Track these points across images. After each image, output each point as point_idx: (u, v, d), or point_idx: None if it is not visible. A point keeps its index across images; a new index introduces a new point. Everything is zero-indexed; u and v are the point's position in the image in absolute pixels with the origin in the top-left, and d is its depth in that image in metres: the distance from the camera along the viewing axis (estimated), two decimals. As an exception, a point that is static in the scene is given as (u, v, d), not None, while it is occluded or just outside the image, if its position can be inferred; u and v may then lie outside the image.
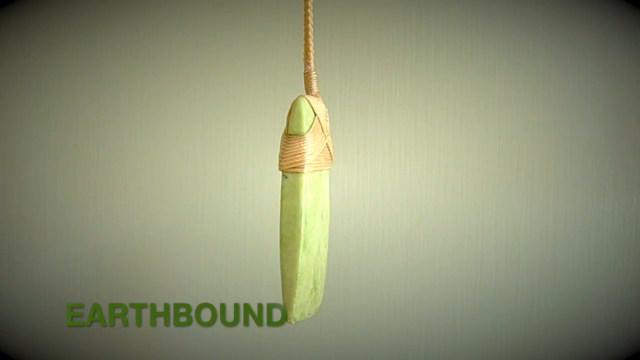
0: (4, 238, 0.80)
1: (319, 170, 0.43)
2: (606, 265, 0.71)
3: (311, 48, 0.44)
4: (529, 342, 0.72)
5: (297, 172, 0.41)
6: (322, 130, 0.43)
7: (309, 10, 0.44)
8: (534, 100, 0.72)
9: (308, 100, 0.41)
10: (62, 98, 0.79)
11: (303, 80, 0.44)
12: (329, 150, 0.45)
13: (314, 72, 0.44)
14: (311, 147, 0.41)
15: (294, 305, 0.40)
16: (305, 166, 0.41)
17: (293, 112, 0.41)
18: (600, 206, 0.71)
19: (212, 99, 0.76)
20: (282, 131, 0.42)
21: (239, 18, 0.76)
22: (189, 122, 0.77)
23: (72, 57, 0.78)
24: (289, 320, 0.41)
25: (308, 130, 0.41)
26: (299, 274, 0.40)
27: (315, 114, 0.42)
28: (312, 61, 0.44)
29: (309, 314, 0.42)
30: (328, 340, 0.75)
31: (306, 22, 0.44)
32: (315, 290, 0.43)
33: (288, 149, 0.41)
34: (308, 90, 0.44)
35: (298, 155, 0.41)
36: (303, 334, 0.75)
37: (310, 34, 0.44)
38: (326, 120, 0.44)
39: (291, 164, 0.41)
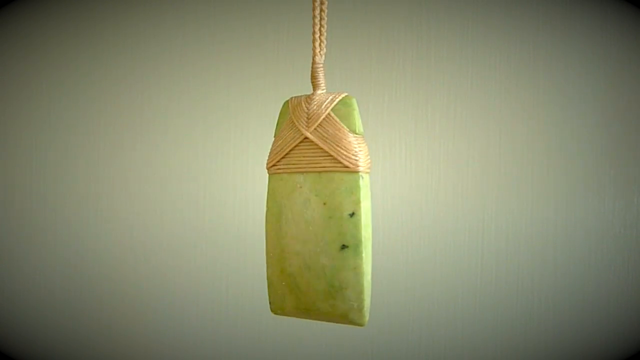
0: (5, 238, 0.80)
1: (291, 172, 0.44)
2: (606, 265, 0.71)
3: (317, 39, 0.43)
4: (529, 342, 0.72)
5: None
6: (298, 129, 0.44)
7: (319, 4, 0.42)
8: (534, 100, 0.72)
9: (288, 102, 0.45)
10: (63, 99, 0.79)
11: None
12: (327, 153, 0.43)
13: (319, 65, 0.43)
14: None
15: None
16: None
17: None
18: (601, 206, 0.71)
19: (213, 100, 0.76)
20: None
21: (240, 19, 0.76)
22: (190, 123, 0.77)
23: (73, 58, 0.78)
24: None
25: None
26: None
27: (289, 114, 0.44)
28: (319, 54, 0.43)
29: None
30: (327, 339, 0.75)
31: (317, 16, 0.42)
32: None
33: None
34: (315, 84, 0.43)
35: None
36: (299, 333, 0.75)
37: (323, 23, 0.43)
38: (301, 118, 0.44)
39: None
